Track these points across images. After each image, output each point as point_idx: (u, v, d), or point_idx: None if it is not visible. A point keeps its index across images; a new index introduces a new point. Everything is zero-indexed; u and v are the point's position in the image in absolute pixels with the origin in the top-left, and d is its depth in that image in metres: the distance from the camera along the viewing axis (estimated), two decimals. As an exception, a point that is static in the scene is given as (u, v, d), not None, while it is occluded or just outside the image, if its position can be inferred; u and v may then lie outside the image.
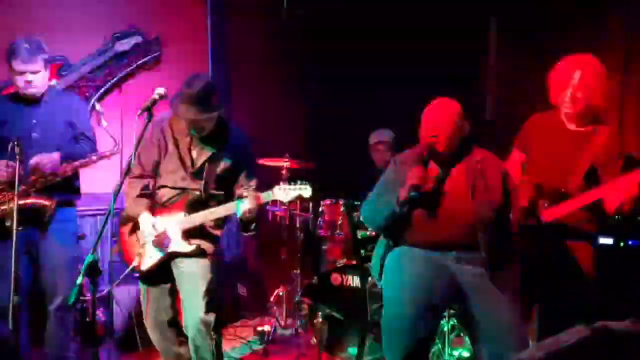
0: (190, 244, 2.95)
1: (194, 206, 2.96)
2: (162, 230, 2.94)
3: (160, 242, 2.96)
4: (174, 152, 3.02)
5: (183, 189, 3.00)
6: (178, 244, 2.96)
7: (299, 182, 2.94)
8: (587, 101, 2.77)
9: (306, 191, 2.93)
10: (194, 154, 3.01)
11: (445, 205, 2.62)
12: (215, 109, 2.90)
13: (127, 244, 3.06)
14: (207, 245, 3.01)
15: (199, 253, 2.97)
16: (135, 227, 3.04)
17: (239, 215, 2.89)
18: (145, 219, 2.97)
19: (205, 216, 2.93)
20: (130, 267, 2.97)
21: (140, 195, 3.01)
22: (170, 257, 2.99)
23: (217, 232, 3.07)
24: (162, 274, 3.04)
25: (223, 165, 3.01)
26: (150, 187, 3.06)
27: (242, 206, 2.85)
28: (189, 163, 3.01)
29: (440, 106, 2.70)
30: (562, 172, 2.79)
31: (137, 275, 3.07)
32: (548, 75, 2.90)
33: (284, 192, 2.92)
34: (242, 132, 3.17)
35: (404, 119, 3.01)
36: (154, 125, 2.91)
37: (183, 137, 3.02)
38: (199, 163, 3.00)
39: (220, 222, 3.08)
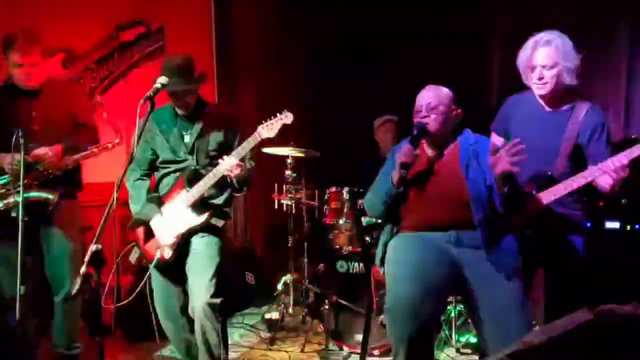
0: (201, 214, 2.99)
1: (193, 180, 3.00)
2: (168, 215, 2.99)
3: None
4: (164, 143, 3.07)
5: (181, 170, 3.06)
6: (191, 219, 2.99)
7: (277, 114, 2.96)
8: (555, 81, 2.67)
9: (287, 118, 2.97)
10: (187, 138, 3.07)
11: (439, 184, 2.65)
12: (197, 81, 3.02)
13: (146, 243, 3.08)
14: (217, 220, 3.05)
15: (211, 229, 3.01)
16: (146, 227, 3.07)
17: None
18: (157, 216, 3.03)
19: (206, 182, 2.96)
20: (155, 260, 2.99)
21: (150, 200, 3.08)
22: (188, 235, 3.01)
23: (226, 209, 3.12)
24: (172, 260, 3.05)
25: (214, 141, 3.06)
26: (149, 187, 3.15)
27: (228, 158, 2.88)
28: (182, 147, 3.06)
29: (433, 89, 2.75)
30: (545, 155, 2.71)
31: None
32: (517, 56, 2.79)
33: (268, 129, 2.95)
34: (227, 106, 3.23)
35: (408, 110, 2.99)
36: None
37: (171, 128, 3.08)
38: (191, 143, 3.06)
39: (228, 196, 3.11)
